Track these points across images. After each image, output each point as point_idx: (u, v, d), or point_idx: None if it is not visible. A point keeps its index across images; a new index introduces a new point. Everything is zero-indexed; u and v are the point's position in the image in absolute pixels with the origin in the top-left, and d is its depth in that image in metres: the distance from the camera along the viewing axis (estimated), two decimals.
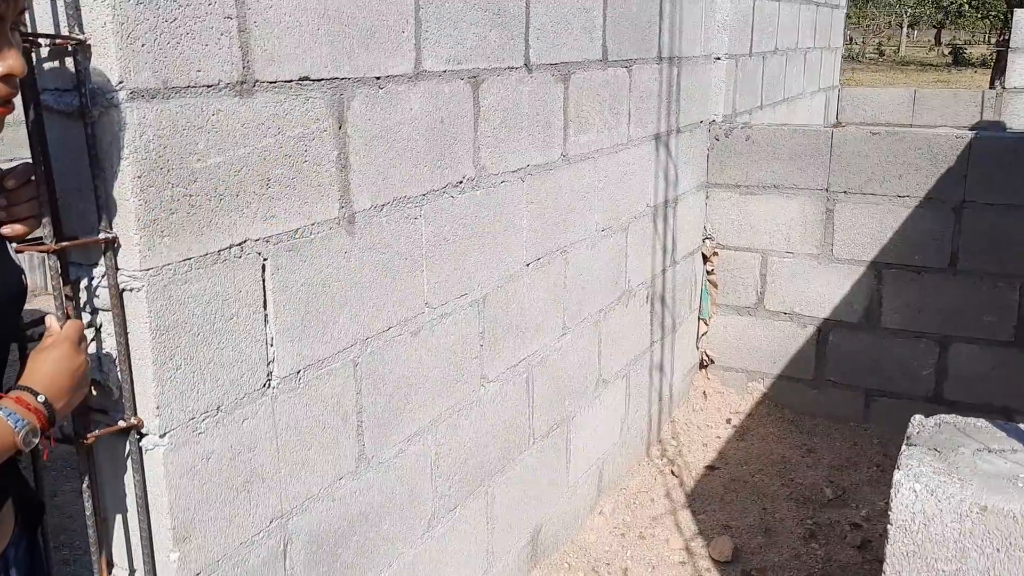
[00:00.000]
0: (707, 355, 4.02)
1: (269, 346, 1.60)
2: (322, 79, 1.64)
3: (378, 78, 1.79)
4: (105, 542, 1.46)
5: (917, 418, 0.93)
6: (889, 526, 0.80)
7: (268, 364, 1.60)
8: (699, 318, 3.97)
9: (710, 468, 3.48)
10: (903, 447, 0.85)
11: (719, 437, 3.74)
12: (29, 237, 1.26)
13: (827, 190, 3.65)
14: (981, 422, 0.92)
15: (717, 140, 3.79)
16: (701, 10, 3.53)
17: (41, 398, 1.15)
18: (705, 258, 3.89)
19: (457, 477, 2.24)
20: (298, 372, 1.67)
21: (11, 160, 1.79)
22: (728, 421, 3.87)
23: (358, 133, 1.75)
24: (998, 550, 0.77)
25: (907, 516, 0.78)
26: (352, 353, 1.81)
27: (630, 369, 3.27)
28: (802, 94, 5.40)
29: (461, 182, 2.10)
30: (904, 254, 3.57)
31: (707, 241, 3.88)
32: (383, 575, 1.99)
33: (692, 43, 3.47)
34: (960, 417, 0.91)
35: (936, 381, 3.64)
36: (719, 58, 3.82)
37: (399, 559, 2.04)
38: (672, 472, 3.42)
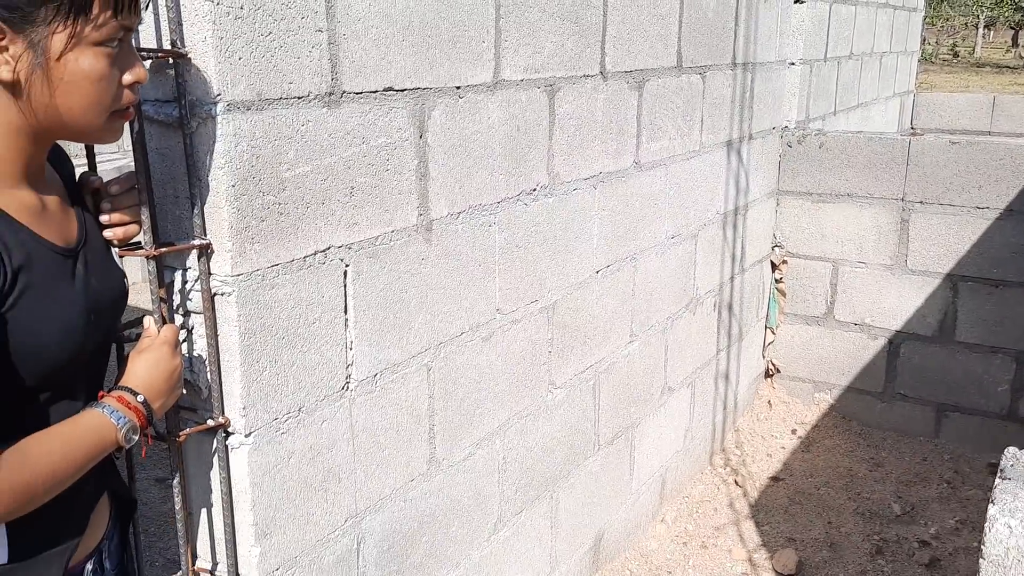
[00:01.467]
0: (773, 364, 3.97)
1: (348, 350, 1.64)
2: (405, 89, 1.67)
3: (458, 88, 1.81)
4: (191, 535, 1.51)
5: (1011, 450, 0.92)
6: (981, 560, 0.80)
7: (347, 367, 1.64)
8: (766, 327, 3.92)
9: (774, 479, 3.44)
10: (997, 480, 0.83)
11: (784, 448, 3.69)
12: (131, 242, 1.31)
13: (903, 200, 3.57)
14: None
15: (789, 147, 3.74)
16: (776, 15, 3.49)
17: (140, 398, 1.21)
18: (774, 266, 3.84)
19: (523, 481, 2.26)
20: (375, 375, 1.71)
21: (106, 162, 1.85)
22: (793, 432, 3.82)
23: (438, 142, 1.78)
24: None
25: (1001, 551, 0.77)
26: (426, 358, 1.84)
27: (695, 377, 3.25)
28: (877, 99, 5.29)
29: (535, 190, 2.12)
30: (982, 267, 3.47)
31: (776, 249, 3.83)
32: (450, 574, 2.02)
33: (766, 49, 3.43)
34: None
35: (1012, 398, 3.54)
36: (793, 63, 3.77)
37: (465, 560, 2.07)
38: (736, 482, 3.39)
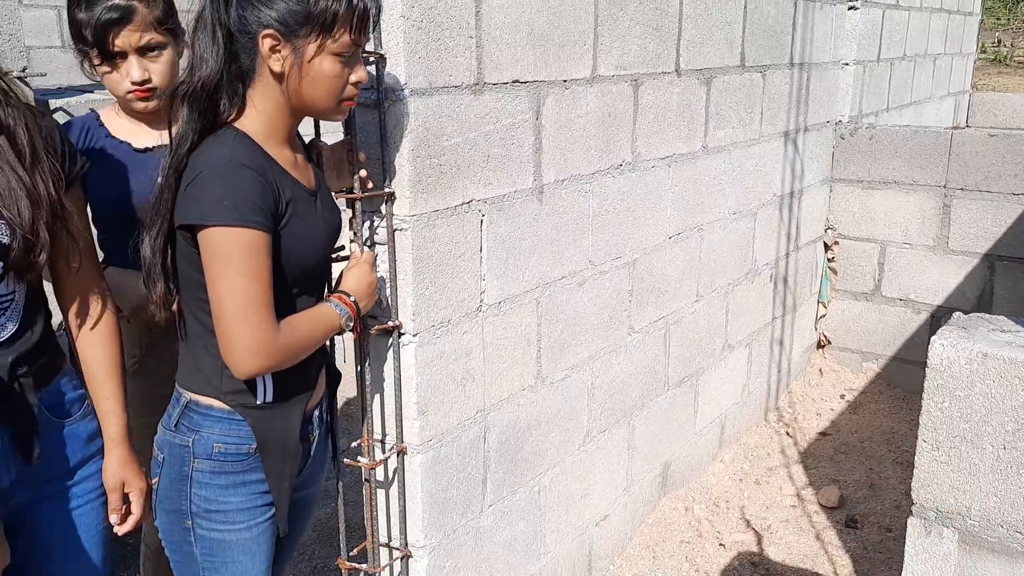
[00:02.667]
0: (824, 336, 4.39)
1: (482, 280, 2.15)
2: (527, 81, 2.18)
3: (565, 81, 2.31)
4: (369, 411, 2.04)
5: (956, 314, 1.35)
6: (927, 370, 1.25)
7: (480, 294, 2.15)
8: (819, 301, 4.33)
9: (822, 434, 3.86)
10: (942, 328, 1.28)
11: (832, 409, 4.11)
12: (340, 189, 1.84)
13: (945, 187, 3.96)
14: (1001, 318, 1.34)
15: (842, 139, 4.15)
16: (831, 20, 3.91)
17: (352, 299, 1.72)
18: (826, 246, 4.26)
19: (607, 406, 2.74)
20: (499, 302, 2.21)
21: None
22: (842, 397, 4.22)
23: (549, 123, 2.28)
24: (993, 381, 1.21)
25: (936, 361, 1.21)
26: (535, 293, 2.34)
27: (753, 339, 3.70)
28: (930, 98, 5.63)
29: (621, 165, 2.61)
30: (1017, 247, 3.84)
31: (829, 231, 4.25)
32: (547, 474, 2.52)
33: (822, 50, 3.85)
34: (988, 315, 1.33)
35: None
36: (847, 64, 4.18)
37: (560, 463, 2.57)
38: (787, 433, 3.82)
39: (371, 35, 1.61)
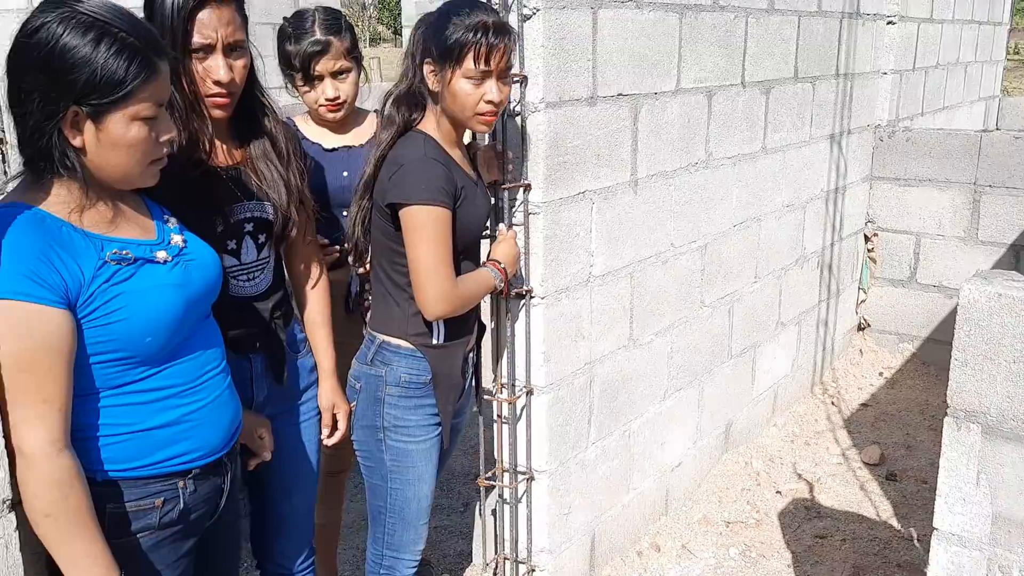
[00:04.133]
0: (864, 319, 4.83)
1: (591, 256, 2.64)
2: (627, 94, 2.67)
3: (656, 93, 2.80)
4: (500, 359, 2.53)
5: (978, 268, 1.79)
6: (958, 308, 1.72)
7: (590, 267, 2.64)
8: (859, 288, 4.78)
9: (863, 405, 4.31)
10: (974, 279, 1.76)
11: (872, 385, 4.55)
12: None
13: (975, 184, 4.40)
14: (1013, 272, 1.81)
15: (881, 141, 4.60)
16: (872, 35, 4.36)
17: (502, 265, 2.22)
18: (866, 238, 4.71)
19: (682, 368, 3.22)
20: (604, 275, 2.71)
21: None
22: (880, 374, 4.67)
23: (643, 128, 2.77)
24: (1006, 313, 1.68)
25: (965, 301, 1.68)
26: (630, 269, 2.83)
27: (801, 319, 4.16)
28: (962, 103, 6.06)
29: (696, 163, 3.09)
30: None
31: (869, 224, 4.70)
32: (635, 421, 3.01)
33: (863, 61, 4.31)
34: (1004, 270, 1.79)
35: None
36: (885, 73, 4.63)
37: (645, 414, 3.05)
38: (832, 403, 4.28)
39: (511, 62, 2.08)
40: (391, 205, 2.01)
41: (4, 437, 1.32)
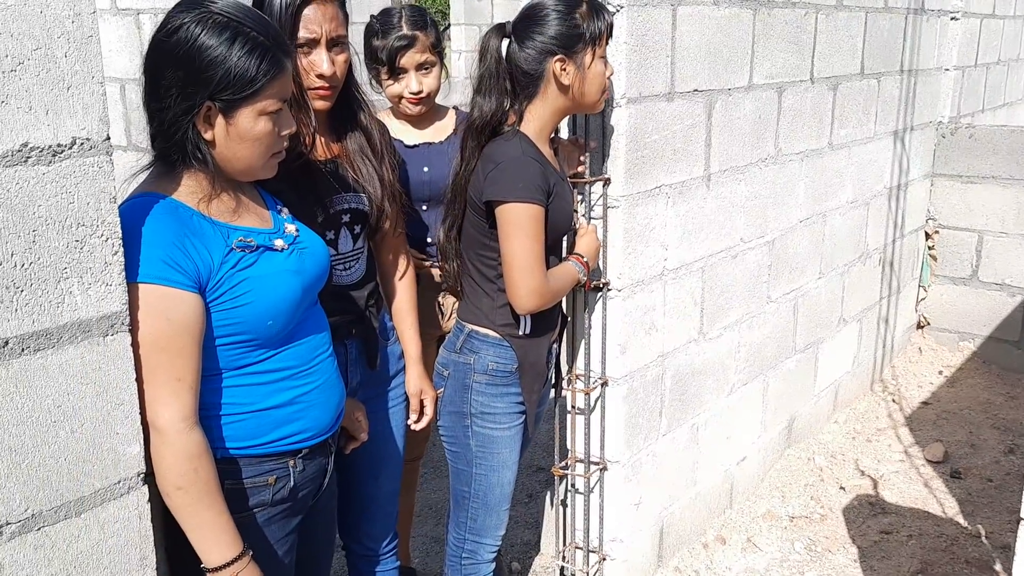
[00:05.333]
0: (924, 317, 4.80)
1: (665, 249, 2.67)
2: (703, 90, 2.69)
3: (729, 89, 2.82)
4: (576, 351, 2.58)
5: None
6: None
7: (664, 261, 2.67)
8: (919, 285, 4.75)
9: (924, 403, 4.29)
10: None
11: (932, 383, 4.52)
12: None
13: None
14: None
15: (943, 137, 4.57)
16: (935, 31, 4.33)
17: (584, 259, 2.26)
18: (927, 235, 4.67)
19: (748, 362, 3.24)
20: (677, 268, 2.74)
21: None
22: (940, 372, 4.63)
23: (716, 123, 2.79)
24: None
25: None
26: (701, 263, 2.86)
27: (863, 316, 4.15)
28: (1021, 99, 5.97)
29: (766, 159, 3.10)
30: None
31: (930, 221, 4.66)
32: (703, 415, 3.03)
33: (927, 58, 4.28)
34: None
35: None
36: (948, 69, 4.59)
37: (713, 406, 3.08)
38: (892, 401, 4.26)
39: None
40: (487, 203, 2.06)
41: (140, 413, 1.39)
